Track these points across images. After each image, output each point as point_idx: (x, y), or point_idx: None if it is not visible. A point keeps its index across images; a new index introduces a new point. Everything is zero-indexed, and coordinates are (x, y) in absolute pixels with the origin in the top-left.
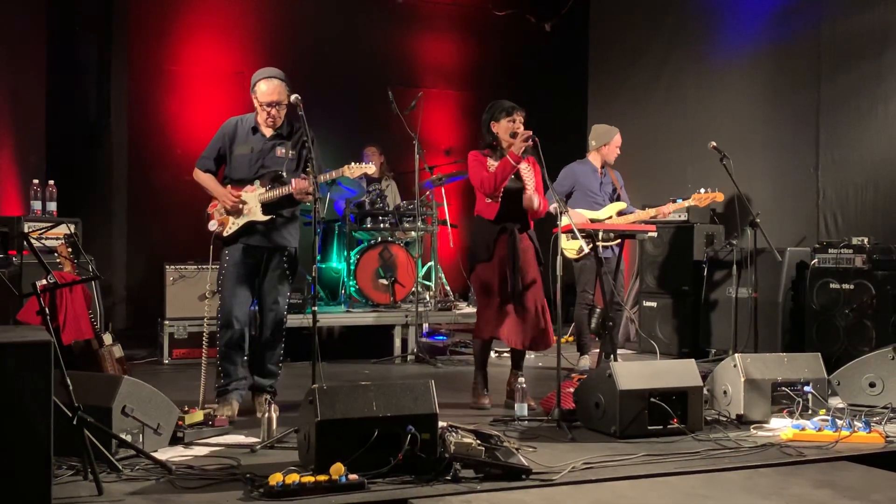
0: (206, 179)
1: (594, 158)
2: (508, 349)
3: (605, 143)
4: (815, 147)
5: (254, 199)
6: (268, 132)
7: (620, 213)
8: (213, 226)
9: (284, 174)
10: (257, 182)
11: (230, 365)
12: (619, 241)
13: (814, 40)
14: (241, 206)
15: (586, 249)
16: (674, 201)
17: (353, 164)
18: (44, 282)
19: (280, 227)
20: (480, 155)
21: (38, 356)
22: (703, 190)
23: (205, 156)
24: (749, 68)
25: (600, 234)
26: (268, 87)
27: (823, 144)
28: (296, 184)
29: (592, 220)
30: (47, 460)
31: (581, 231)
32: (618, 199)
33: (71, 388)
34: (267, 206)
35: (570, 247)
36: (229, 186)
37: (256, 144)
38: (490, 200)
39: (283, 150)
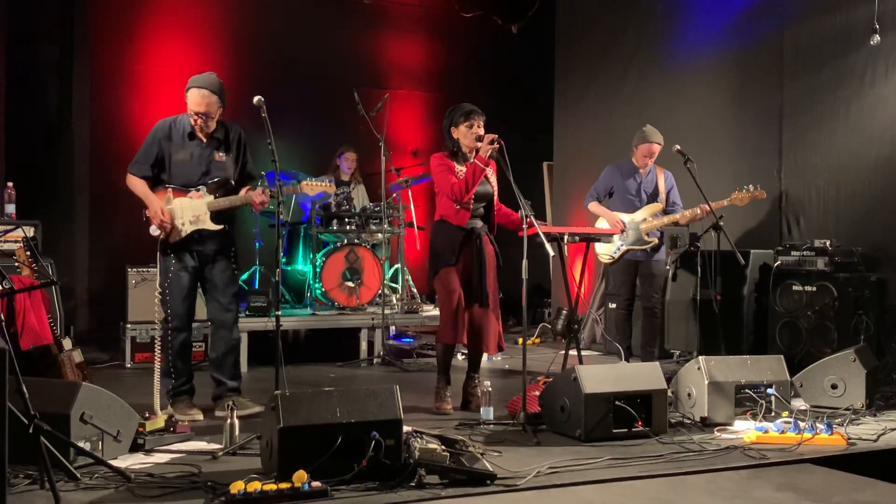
0: (139, 186)
1: (634, 158)
2: (466, 352)
3: (635, 146)
4: (779, 150)
5: (202, 207)
6: (204, 138)
7: (664, 213)
8: (154, 231)
9: (233, 182)
10: (203, 188)
11: (184, 364)
12: (654, 243)
13: (776, 43)
14: (167, 227)
15: (552, 252)
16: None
17: (312, 180)
18: (0, 287)
19: (226, 231)
20: (446, 158)
21: None
22: (748, 187)
23: (139, 161)
24: (713, 71)
25: (566, 237)
26: (196, 97)
27: (786, 147)
28: (256, 197)
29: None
30: (2, 469)
31: (547, 235)
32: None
33: (27, 395)
34: (217, 215)
35: (605, 251)
36: (169, 191)
37: (195, 150)
38: (460, 207)
39: (222, 155)
